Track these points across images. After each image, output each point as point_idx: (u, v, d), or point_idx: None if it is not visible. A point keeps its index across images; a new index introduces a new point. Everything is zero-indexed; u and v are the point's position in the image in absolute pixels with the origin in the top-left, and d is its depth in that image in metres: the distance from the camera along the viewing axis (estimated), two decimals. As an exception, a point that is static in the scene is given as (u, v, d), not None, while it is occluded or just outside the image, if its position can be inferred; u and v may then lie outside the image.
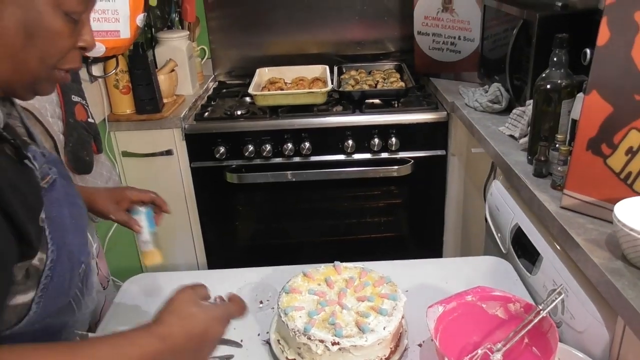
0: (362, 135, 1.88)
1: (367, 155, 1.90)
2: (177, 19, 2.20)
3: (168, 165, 1.91)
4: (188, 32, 2.10)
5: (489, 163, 1.57)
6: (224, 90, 2.25)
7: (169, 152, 1.89)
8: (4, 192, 0.60)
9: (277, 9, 2.31)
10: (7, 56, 0.65)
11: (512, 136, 1.42)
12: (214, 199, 2.00)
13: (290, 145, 1.87)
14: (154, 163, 1.91)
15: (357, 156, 1.90)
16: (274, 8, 2.31)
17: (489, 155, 1.45)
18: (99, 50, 1.46)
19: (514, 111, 1.46)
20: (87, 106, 1.44)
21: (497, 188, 1.32)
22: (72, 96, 1.37)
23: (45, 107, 1.28)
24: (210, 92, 2.23)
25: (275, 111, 1.90)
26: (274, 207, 2.06)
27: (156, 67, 1.92)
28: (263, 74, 2.15)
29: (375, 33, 2.37)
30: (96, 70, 1.72)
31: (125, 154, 1.90)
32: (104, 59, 1.61)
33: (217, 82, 2.36)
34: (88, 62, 1.57)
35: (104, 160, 1.53)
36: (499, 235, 1.28)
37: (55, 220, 0.71)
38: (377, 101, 1.98)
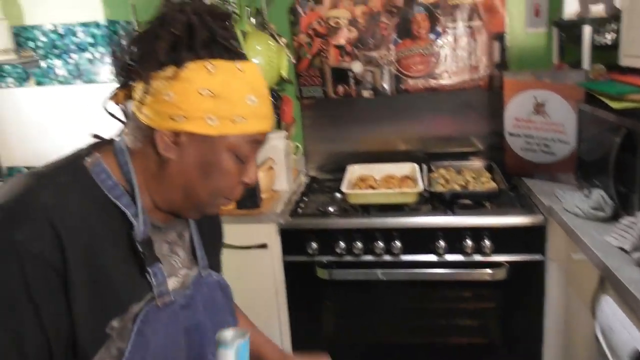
0: (454, 237, 1.87)
1: (460, 257, 1.87)
2: (275, 119, 2.38)
3: (262, 258, 1.99)
4: (286, 132, 2.25)
5: (595, 273, 1.50)
6: (316, 186, 2.35)
7: (263, 246, 1.97)
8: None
9: (366, 108, 2.43)
10: (183, 187, 0.76)
11: (621, 248, 1.36)
12: (304, 293, 2.02)
13: (381, 244, 1.89)
14: (249, 255, 1.99)
15: (449, 257, 1.88)
16: (363, 107, 2.43)
17: (596, 267, 1.38)
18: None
19: (622, 221, 1.41)
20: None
21: (609, 306, 1.25)
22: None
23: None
24: (303, 187, 2.33)
25: (366, 209, 1.95)
26: (362, 304, 2.05)
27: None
28: (354, 171, 2.23)
29: (463, 130, 2.41)
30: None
31: (224, 245, 2.00)
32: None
33: (309, 177, 2.47)
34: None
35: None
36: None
37: (140, 340, 0.72)
38: (468, 201, 1.98)
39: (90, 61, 1.36)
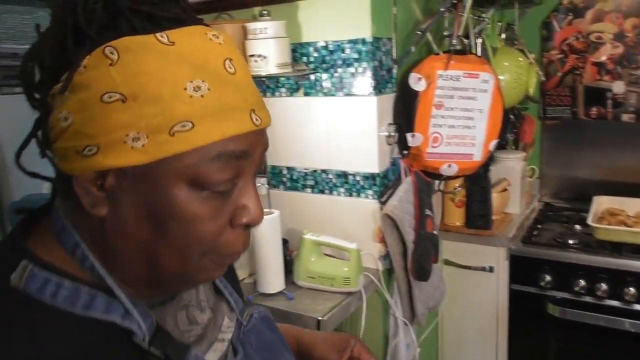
0: None
1: None
2: (511, 138, 2.25)
3: (486, 281, 1.91)
4: (524, 154, 2.12)
5: None
6: (550, 213, 2.16)
7: (490, 269, 1.89)
8: None
9: (624, 133, 2.14)
10: (139, 255, 0.49)
11: None
12: (528, 326, 1.88)
13: (632, 290, 1.64)
14: (472, 276, 1.93)
15: None
16: (620, 131, 2.15)
17: None
18: (452, 170, 1.59)
19: None
20: (434, 219, 1.57)
21: None
22: (426, 210, 1.52)
23: (406, 217, 1.44)
24: (536, 213, 2.17)
25: (617, 248, 1.72)
26: (598, 353, 1.81)
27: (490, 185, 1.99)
28: (601, 203, 1.99)
29: None
30: (437, 183, 1.87)
31: (447, 262, 1.98)
32: (453, 178, 1.74)
33: (542, 203, 2.29)
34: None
35: (436, 270, 1.62)
36: None
37: None
38: None
39: (352, 75, 1.47)
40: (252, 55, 1.43)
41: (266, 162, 1.70)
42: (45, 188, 1.89)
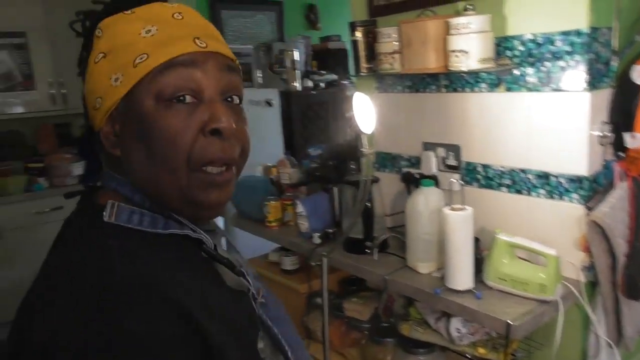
0: None
1: None
2: None
3: None
4: None
5: None
6: None
7: None
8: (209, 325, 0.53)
9: None
10: (148, 180, 0.61)
11: None
12: None
13: None
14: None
15: None
16: None
17: None
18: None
19: None
20: (653, 231, 1.38)
21: None
22: (643, 220, 1.35)
23: (618, 227, 1.30)
24: None
25: None
26: None
27: None
28: None
29: None
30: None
31: None
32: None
33: None
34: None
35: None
36: None
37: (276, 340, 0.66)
38: None
39: (562, 69, 1.37)
40: (453, 51, 1.43)
41: (460, 157, 1.68)
42: (258, 171, 2.16)
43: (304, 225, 1.92)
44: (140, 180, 0.61)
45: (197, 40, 0.60)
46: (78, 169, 3.27)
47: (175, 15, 0.62)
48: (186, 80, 0.59)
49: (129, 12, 0.62)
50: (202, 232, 0.63)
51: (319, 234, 1.86)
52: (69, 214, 0.65)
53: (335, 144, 2.41)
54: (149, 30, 0.59)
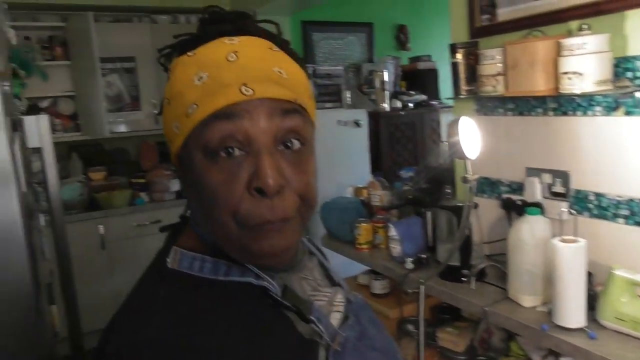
0: None
1: None
2: None
3: None
4: None
5: None
6: None
7: None
8: None
9: None
10: (204, 226, 0.61)
11: None
12: None
13: None
14: None
15: None
16: None
17: None
18: None
19: None
20: None
21: None
22: None
23: None
24: None
25: None
26: None
27: None
28: None
29: None
30: None
31: None
32: None
33: None
34: None
35: None
36: None
37: None
38: None
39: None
40: (566, 73, 1.35)
41: (569, 184, 1.58)
42: (348, 192, 2.16)
43: (396, 249, 1.89)
44: (199, 225, 0.63)
45: (243, 88, 0.55)
46: (175, 185, 3.46)
47: (229, 57, 0.57)
48: (231, 133, 0.55)
49: (192, 53, 0.59)
50: (267, 278, 0.60)
51: (411, 259, 1.82)
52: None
53: (429, 167, 2.36)
54: (201, 77, 0.56)
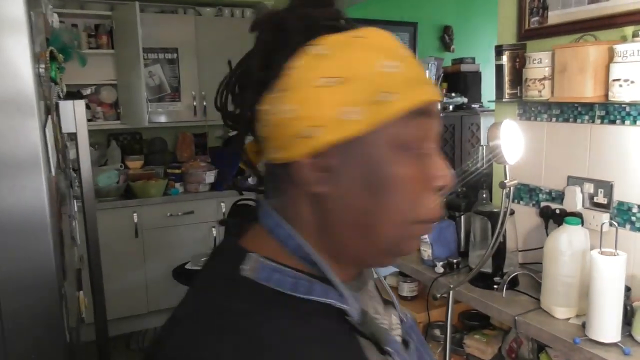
0: None
1: None
2: None
3: None
4: None
5: None
6: None
7: None
8: None
9: None
10: (357, 226, 0.53)
11: None
12: None
13: None
14: None
15: None
16: None
17: None
18: None
19: None
20: None
21: None
22: None
23: None
24: None
25: None
26: None
27: None
28: None
29: None
30: None
31: None
32: None
33: None
34: None
35: None
36: None
37: None
38: None
39: None
40: (617, 80, 1.31)
41: (612, 195, 1.52)
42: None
43: (427, 252, 1.86)
44: (337, 230, 0.55)
45: (432, 88, 0.54)
46: (210, 177, 3.50)
47: (404, 52, 0.55)
48: (428, 130, 0.54)
49: (360, 36, 0.53)
50: (351, 299, 0.55)
51: (442, 263, 1.79)
52: (216, 247, 0.62)
53: (465, 171, 2.32)
54: (392, 66, 0.52)
